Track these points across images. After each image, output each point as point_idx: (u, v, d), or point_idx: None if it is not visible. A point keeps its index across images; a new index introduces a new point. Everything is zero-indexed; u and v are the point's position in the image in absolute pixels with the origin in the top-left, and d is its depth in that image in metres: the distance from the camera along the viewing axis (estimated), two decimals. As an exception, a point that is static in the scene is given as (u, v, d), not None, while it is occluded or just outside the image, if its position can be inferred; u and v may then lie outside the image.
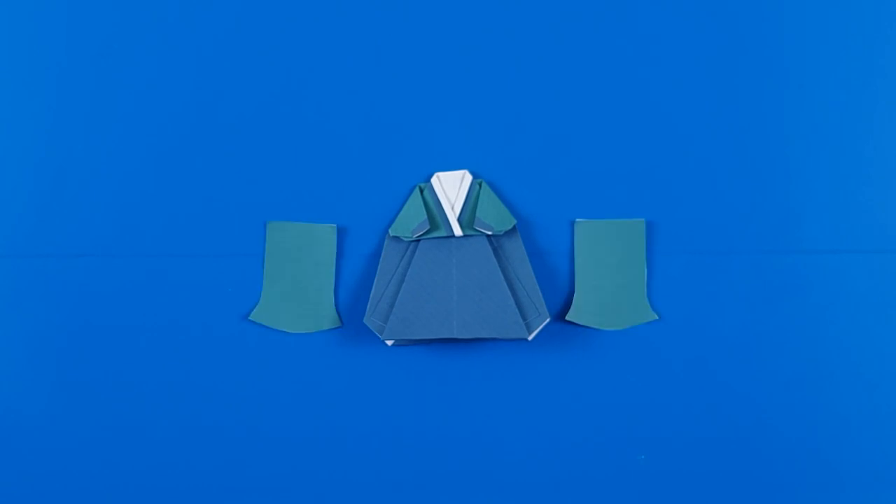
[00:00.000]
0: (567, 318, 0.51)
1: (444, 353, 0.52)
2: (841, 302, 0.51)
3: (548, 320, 0.51)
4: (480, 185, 0.52)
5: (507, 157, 0.53)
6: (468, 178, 0.52)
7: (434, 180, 0.52)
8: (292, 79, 0.53)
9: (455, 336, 0.50)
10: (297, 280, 0.52)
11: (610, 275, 0.52)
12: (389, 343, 0.52)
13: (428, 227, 0.51)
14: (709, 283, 0.52)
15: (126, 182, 0.53)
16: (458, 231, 0.52)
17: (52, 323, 0.53)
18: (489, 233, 0.51)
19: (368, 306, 0.51)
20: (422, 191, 0.52)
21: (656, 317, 0.51)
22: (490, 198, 0.52)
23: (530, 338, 0.51)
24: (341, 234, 0.53)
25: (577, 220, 0.52)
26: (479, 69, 0.53)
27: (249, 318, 0.52)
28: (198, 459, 0.51)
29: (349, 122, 0.53)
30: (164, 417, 0.52)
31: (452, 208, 0.52)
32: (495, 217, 0.51)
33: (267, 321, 0.52)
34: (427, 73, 0.53)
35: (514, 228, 0.52)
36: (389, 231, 0.52)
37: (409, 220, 0.52)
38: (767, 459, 0.51)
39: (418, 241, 0.52)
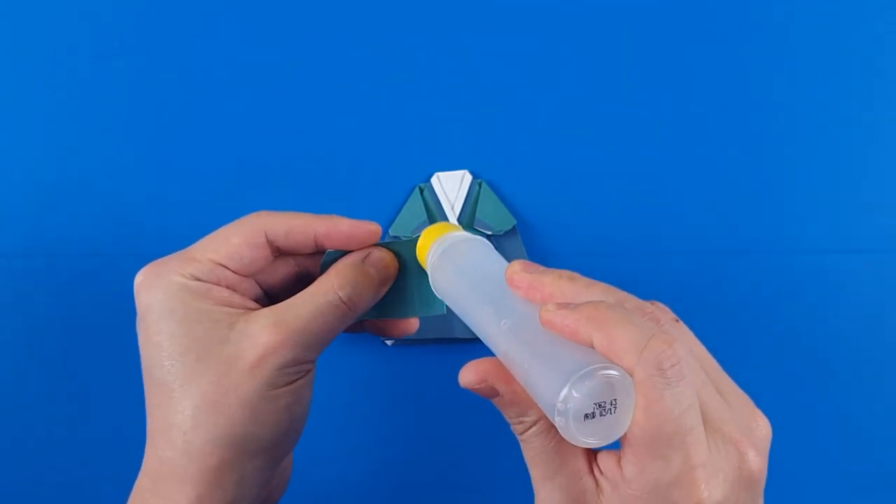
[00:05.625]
0: None
1: (444, 353, 0.52)
2: (841, 302, 0.51)
3: (548, 320, 0.51)
4: (480, 185, 0.52)
5: (507, 157, 0.53)
6: (468, 178, 0.52)
7: (434, 180, 0.52)
8: (291, 79, 0.53)
9: (455, 336, 0.50)
10: (297, 280, 0.53)
11: None
12: (389, 343, 0.52)
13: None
14: (709, 283, 0.52)
15: (126, 182, 0.53)
16: (458, 231, 0.52)
17: (53, 324, 0.53)
18: (489, 233, 0.51)
19: (368, 306, 0.51)
20: (422, 191, 0.52)
21: None
22: (490, 198, 0.52)
23: (530, 338, 0.51)
24: (341, 234, 0.53)
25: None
26: (478, 69, 0.53)
27: (249, 318, 0.52)
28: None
29: (349, 121, 0.53)
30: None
31: (452, 208, 0.52)
32: (495, 217, 0.52)
33: (267, 321, 0.52)
34: (427, 73, 0.53)
35: (513, 228, 0.52)
36: (389, 231, 0.52)
37: (409, 220, 0.52)
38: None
39: (418, 241, 0.52)
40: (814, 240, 0.52)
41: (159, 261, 0.36)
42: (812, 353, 0.51)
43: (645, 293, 0.52)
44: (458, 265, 0.37)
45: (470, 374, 0.32)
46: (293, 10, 0.53)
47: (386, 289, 0.38)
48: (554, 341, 0.30)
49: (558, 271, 0.33)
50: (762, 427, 0.31)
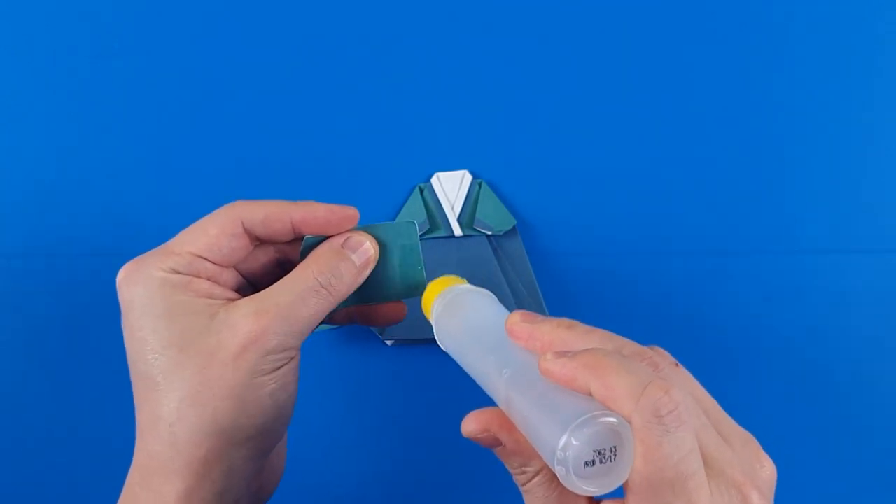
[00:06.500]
0: None
1: (444, 352, 0.52)
2: (841, 302, 0.51)
3: (548, 320, 0.51)
4: (480, 185, 0.52)
5: (507, 157, 0.53)
6: (468, 178, 0.52)
7: (434, 180, 0.52)
8: (291, 78, 0.53)
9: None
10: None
11: None
12: (389, 343, 0.52)
13: (428, 227, 0.51)
14: (709, 283, 0.52)
15: (126, 182, 0.53)
16: (458, 231, 0.52)
17: (53, 324, 0.53)
18: (489, 233, 0.51)
19: (368, 306, 0.51)
20: (422, 191, 0.52)
21: None
22: (490, 198, 0.52)
23: (530, 338, 0.51)
24: (341, 234, 0.53)
25: None
26: (478, 69, 0.53)
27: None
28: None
29: (348, 121, 0.53)
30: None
31: (452, 208, 0.52)
32: (495, 217, 0.52)
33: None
34: (427, 73, 0.53)
35: (514, 228, 0.52)
36: (389, 231, 0.52)
37: (409, 220, 0.52)
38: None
39: (418, 241, 0.52)
40: (814, 240, 0.52)
41: (139, 257, 0.36)
42: (812, 353, 0.51)
43: (645, 293, 0.53)
44: (461, 317, 0.37)
45: (472, 424, 0.32)
46: (293, 10, 0.53)
47: (367, 272, 0.38)
48: (554, 390, 0.30)
49: (557, 320, 0.33)
50: (766, 468, 0.30)
